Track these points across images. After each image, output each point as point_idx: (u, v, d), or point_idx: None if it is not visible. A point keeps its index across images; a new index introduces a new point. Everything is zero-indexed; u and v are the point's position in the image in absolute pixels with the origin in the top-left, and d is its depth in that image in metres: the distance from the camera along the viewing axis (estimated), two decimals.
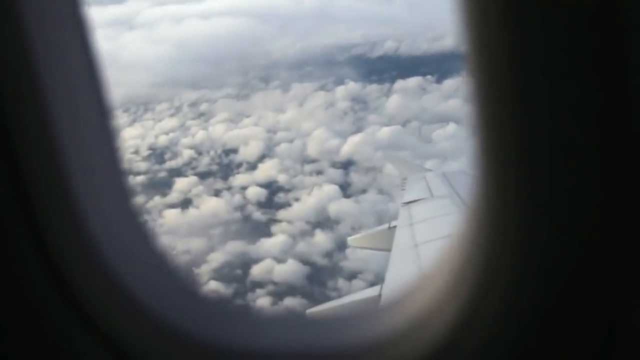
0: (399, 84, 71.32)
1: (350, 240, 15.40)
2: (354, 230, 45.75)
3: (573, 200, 1.01)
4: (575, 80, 0.94)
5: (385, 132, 60.33)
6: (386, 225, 12.78)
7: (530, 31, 0.92)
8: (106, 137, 1.31)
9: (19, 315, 1.25)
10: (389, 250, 10.76)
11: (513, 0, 0.93)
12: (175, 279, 1.40)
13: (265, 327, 1.40)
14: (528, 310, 1.10)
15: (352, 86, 73.21)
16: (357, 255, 40.81)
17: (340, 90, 72.85)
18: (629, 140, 0.97)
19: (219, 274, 43.06)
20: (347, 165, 56.55)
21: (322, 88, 75.03)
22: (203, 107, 74.96)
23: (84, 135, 1.25)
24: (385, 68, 78.77)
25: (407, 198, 13.16)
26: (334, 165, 56.76)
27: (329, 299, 38.35)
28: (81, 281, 1.24)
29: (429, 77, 71.49)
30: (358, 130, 63.33)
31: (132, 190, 1.41)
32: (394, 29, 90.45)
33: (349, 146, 58.89)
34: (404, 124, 61.88)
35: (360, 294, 10.40)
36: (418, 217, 11.75)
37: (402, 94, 68.87)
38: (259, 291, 40.84)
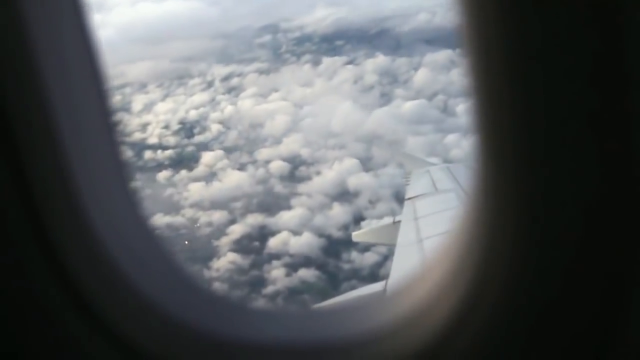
0: (429, 57, 70.95)
1: (354, 235, 15.46)
2: (371, 203, 46.50)
3: (572, 197, 1.02)
4: (576, 77, 0.95)
5: (410, 106, 60.45)
6: (391, 220, 12.87)
7: (531, 27, 0.93)
8: (108, 133, 1.32)
9: (22, 311, 1.26)
10: (393, 245, 10.88)
11: None
12: (180, 274, 1.41)
13: (269, 321, 1.42)
14: (526, 305, 1.10)
15: (381, 60, 73.25)
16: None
17: (370, 64, 73.03)
18: (629, 138, 0.97)
19: (238, 246, 44.28)
20: (369, 139, 57.06)
21: (352, 62, 75.26)
22: (234, 81, 76.14)
23: (86, 132, 1.25)
24: (416, 41, 78.39)
25: (412, 193, 13.23)
26: (357, 139, 57.33)
27: (342, 270, 39.34)
28: (85, 277, 1.25)
29: (459, 50, 70.80)
30: (384, 104, 63.64)
31: (134, 185, 1.41)
32: (428, 0, 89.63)
33: (373, 120, 59.30)
34: (430, 97, 61.81)
35: (364, 289, 10.54)
36: (422, 212, 11.83)
37: (431, 68, 68.59)
38: (275, 262, 41.93)
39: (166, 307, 1.30)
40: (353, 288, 36.44)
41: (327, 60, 76.73)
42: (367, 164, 52.14)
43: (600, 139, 0.97)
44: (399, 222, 11.92)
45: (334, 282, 39.42)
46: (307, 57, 79.77)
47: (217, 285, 39.42)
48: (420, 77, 67.14)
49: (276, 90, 71.64)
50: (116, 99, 74.14)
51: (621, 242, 1.04)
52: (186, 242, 46.35)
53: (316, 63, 77.19)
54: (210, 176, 54.65)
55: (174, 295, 1.35)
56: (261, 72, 77.96)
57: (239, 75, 77.69)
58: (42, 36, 1.12)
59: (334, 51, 79.76)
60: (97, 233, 1.23)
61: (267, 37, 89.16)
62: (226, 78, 77.51)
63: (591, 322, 1.10)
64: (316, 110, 63.92)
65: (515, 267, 1.08)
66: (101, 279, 1.26)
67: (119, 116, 68.81)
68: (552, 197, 1.02)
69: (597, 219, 1.02)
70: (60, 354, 1.29)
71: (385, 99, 65.22)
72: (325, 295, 36.85)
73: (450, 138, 52.55)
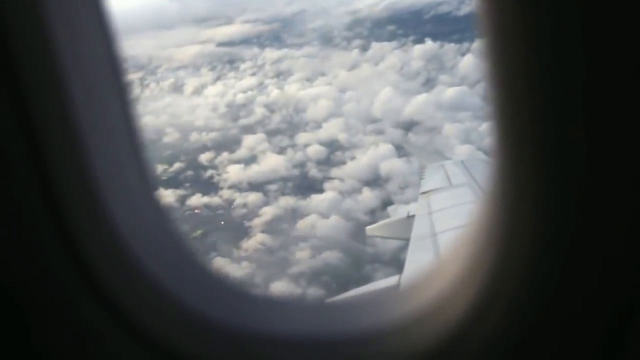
0: (479, 43, 70.15)
1: (368, 229, 15.44)
2: (401, 189, 47.04)
3: (590, 192, 1.00)
4: (595, 75, 0.93)
5: (451, 93, 60.34)
6: (405, 215, 12.96)
7: (551, 22, 0.91)
8: (128, 127, 1.32)
9: (43, 306, 1.26)
10: (407, 239, 11.00)
11: None
12: (199, 267, 1.42)
13: (284, 313, 1.42)
14: (542, 300, 1.09)
15: (429, 45, 73.14)
16: (398, 213, 42.11)
17: (417, 50, 73.04)
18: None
19: (269, 227, 45.67)
20: (408, 125, 57.43)
21: (401, 47, 75.44)
22: (284, 65, 77.48)
23: (106, 127, 1.25)
24: (468, 26, 77.64)
25: (426, 187, 13.34)
26: (396, 125, 57.80)
27: (365, 254, 40.13)
28: (105, 271, 1.25)
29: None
30: (427, 90, 63.73)
31: (154, 180, 1.40)
32: None
33: (413, 106, 59.55)
34: (473, 84, 61.44)
35: (378, 283, 10.54)
36: (436, 206, 11.92)
37: (477, 54, 67.92)
38: (302, 244, 43.11)
39: (185, 300, 1.31)
40: (375, 271, 37.77)
41: (376, 46, 77.21)
42: (401, 150, 52.59)
43: (619, 133, 0.96)
44: (413, 216, 12.02)
45: (356, 265, 40.27)
46: (357, 41, 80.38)
47: (244, 265, 41.01)
48: (466, 63, 66.84)
49: (323, 75, 72.73)
50: (169, 82, 76.64)
51: (637, 239, 1.02)
52: (222, 223, 48.07)
53: (365, 48, 77.82)
54: (250, 159, 56.25)
55: (193, 288, 1.36)
56: (311, 56, 79.11)
57: (290, 59, 79.09)
58: (63, 34, 1.12)
59: (384, 36, 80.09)
60: (117, 228, 1.24)
61: (320, 22, 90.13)
62: (276, 62, 79.08)
63: (607, 317, 1.09)
64: (359, 96, 64.65)
65: (531, 262, 1.08)
66: (120, 272, 1.26)
67: (172, 98, 71.22)
68: (568, 192, 1.01)
69: (615, 215, 1.02)
70: (80, 346, 1.30)
71: (429, 85, 65.33)
72: (347, 278, 37.99)
73: (487, 126, 52.26)
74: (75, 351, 1.32)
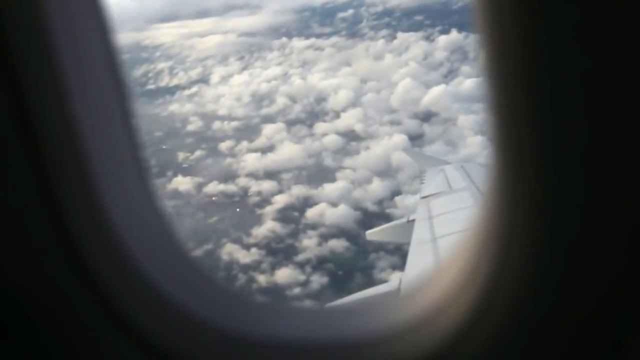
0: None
1: (368, 233, 15.09)
2: (411, 179, 47.55)
3: (588, 196, 1.00)
4: (592, 76, 0.92)
5: (469, 84, 60.45)
6: (405, 219, 12.88)
7: (547, 24, 0.90)
8: (127, 127, 1.31)
9: (42, 307, 1.27)
10: (407, 243, 10.91)
11: None
12: (198, 271, 1.42)
13: (283, 318, 1.42)
14: (541, 305, 1.10)
15: (454, 36, 73.09)
16: (405, 203, 42.79)
17: (442, 40, 73.07)
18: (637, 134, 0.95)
19: (280, 215, 46.75)
20: (425, 116, 57.80)
21: (426, 38, 75.51)
22: (310, 55, 78.30)
23: (105, 130, 1.25)
24: None
25: (426, 191, 13.22)
26: (413, 115, 58.23)
27: (370, 243, 40.87)
28: (104, 274, 1.25)
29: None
30: (447, 81, 63.90)
31: (153, 182, 1.41)
32: None
33: (431, 97, 59.84)
34: None
35: (379, 287, 10.49)
36: (437, 211, 11.83)
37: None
38: (310, 232, 44.09)
39: (184, 304, 1.32)
40: (379, 260, 38.40)
41: (401, 36, 77.40)
42: (415, 141, 53.09)
43: (619, 136, 0.95)
44: (413, 220, 11.93)
45: (361, 253, 41.05)
46: (384, 32, 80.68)
47: (251, 252, 42.18)
48: None
49: (346, 65, 73.34)
50: (197, 71, 78.16)
51: (637, 241, 1.02)
52: (237, 210, 49.32)
53: (391, 38, 78.05)
54: (267, 148, 57.33)
55: (191, 290, 1.36)
56: (338, 46, 79.70)
57: (317, 49, 79.84)
58: (62, 34, 1.12)
59: (411, 26, 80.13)
60: (116, 229, 1.24)
61: (350, 11, 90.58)
62: (303, 52, 79.86)
63: (607, 321, 1.09)
64: (379, 86, 65.16)
65: (530, 267, 1.08)
66: (119, 274, 1.26)
67: (197, 88, 72.62)
68: (568, 196, 1.01)
69: (615, 217, 1.01)
70: (78, 347, 1.31)
71: (451, 76, 65.45)
72: (351, 265, 38.78)
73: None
74: (72, 352, 1.32)
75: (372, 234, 14.82)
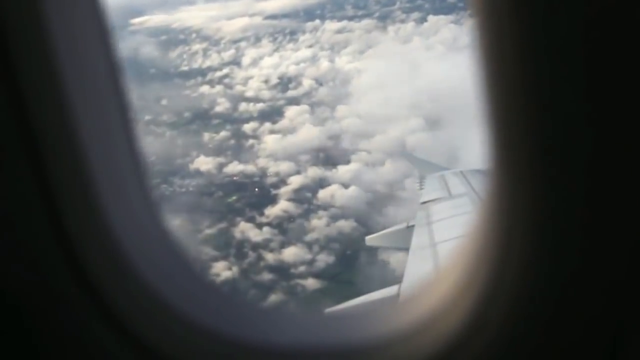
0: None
1: (367, 239, 15.16)
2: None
3: (585, 200, 1.00)
4: (590, 79, 0.92)
5: None
6: (404, 224, 12.97)
7: (544, 27, 0.90)
8: (126, 127, 1.30)
9: (40, 310, 1.27)
10: (406, 249, 10.95)
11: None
12: (196, 276, 1.42)
13: (283, 323, 1.41)
14: (540, 310, 1.10)
15: None
16: (414, 186, 43.47)
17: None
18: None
19: (294, 195, 48.18)
20: (444, 99, 58.13)
21: (456, 21, 75.40)
22: (340, 38, 79.09)
23: (104, 131, 1.25)
24: None
25: (425, 197, 13.31)
26: (432, 98, 58.64)
27: (378, 224, 41.96)
28: (102, 277, 1.25)
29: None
30: (468, 67, 63.69)
31: (152, 186, 1.51)
32: None
33: (452, 80, 60.03)
34: None
35: (378, 293, 10.39)
36: (436, 216, 11.90)
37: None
38: (321, 212, 45.39)
39: (183, 309, 1.32)
40: None
41: (432, 19, 77.41)
42: (432, 124, 53.65)
43: (617, 140, 0.95)
44: (413, 226, 11.98)
45: (368, 234, 41.97)
46: (415, 14, 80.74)
47: (264, 230, 43.75)
48: None
49: (375, 48, 73.94)
50: (229, 53, 79.83)
51: (635, 247, 1.03)
52: (256, 190, 50.94)
53: (422, 21, 78.14)
54: (289, 129, 58.70)
55: (190, 296, 1.36)
56: (368, 29, 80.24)
57: (348, 31, 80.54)
58: (61, 34, 1.11)
59: (443, 9, 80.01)
60: (114, 230, 1.24)
61: None
62: (334, 34, 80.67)
63: (604, 324, 1.10)
64: (403, 69, 65.66)
65: (529, 272, 1.08)
66: (117, 277, 1.27)
67: (229, 70, 74.22)
68: (566, 201, 1.01)
69: (614, 219, 1.01)
70: (76, 352, 1.31)
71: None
72: (357, 245, 39.89)
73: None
74: (70, 355, 1.33)
75: (372, 240, 14.94)
